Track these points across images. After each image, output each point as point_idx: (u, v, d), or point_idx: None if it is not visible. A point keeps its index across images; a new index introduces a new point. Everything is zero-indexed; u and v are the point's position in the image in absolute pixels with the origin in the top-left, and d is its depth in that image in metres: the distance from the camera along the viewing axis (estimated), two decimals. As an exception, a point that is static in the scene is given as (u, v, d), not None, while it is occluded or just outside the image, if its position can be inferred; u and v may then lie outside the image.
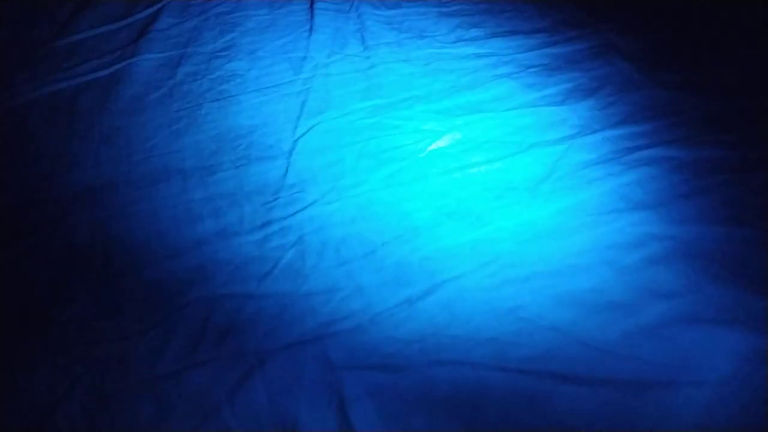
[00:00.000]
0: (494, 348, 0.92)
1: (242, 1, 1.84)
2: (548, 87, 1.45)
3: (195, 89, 1.50)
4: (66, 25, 1.72)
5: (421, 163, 1.27)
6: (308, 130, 1.36)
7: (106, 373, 0.91)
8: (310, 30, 1.71)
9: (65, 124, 1.40)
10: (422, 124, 1.37)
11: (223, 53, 1.63)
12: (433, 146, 1.31)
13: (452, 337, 0.94)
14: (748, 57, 1.50)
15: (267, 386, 0.88)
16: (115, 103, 1.45)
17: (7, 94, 1.47)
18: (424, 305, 0.99)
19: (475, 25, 1.71)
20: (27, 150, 1.33)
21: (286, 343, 0.94)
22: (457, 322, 0.96)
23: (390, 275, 1.04)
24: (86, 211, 1.18)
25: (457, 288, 1.01)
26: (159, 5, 1.81)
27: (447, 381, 0.88)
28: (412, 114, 1.40)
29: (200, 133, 1.37)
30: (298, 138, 1.34)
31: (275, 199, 1.20)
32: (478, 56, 1.58)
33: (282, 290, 1.03)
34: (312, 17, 1.76)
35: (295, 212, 1.17)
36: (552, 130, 1.32)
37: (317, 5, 1.81)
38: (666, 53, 1.54)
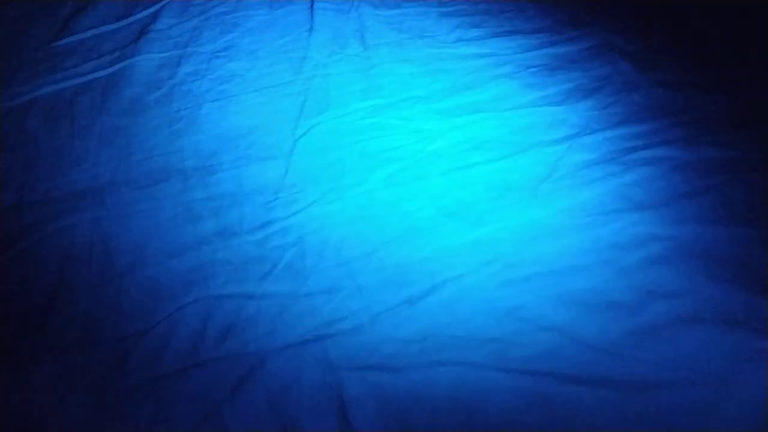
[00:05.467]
0: (494, 348, 0.92)
1: (242, 1, 1.84)
2: (548, 87, 1.45)
3: (195, 89, 1.50)
4: (66, 25, 1.72)
5: (421, 163, 1.27)
6: (308, 130, 1.36)
7: (106, 373, 0.91)
8: (310, 30, 1.71)
9: (65, 124, 1.40)
10: (422, 124, 1.37)
11: (223, 53, 1.63)
12: (433, 146, 1.31)
13: (452, 337, 0.94)
14: (748, 57, 1.50)
15: (267, 386, 0.88)
16: (115, 103, 1.45)
17: (7, 94, 1.47)
18: (424, 305, 0.99)
19: (475, 25, 1.71)
20: (27, 150, 1.33)
21: (286, 343, 0.94)
22: (457, 322, 0.96)
23: (390, 275, 1.04)
24: (86, 211, 1.18)
25: (457, 288, 1.01)
26: (159, 5, 1.81)
27: (447, 381, 0.88)
28: (412, 114, 1.40)
29: (200, 133, 1.37)
30: (298, 138, 1.34)
31: (275, 199, 1.20)
32: (478, 56, 1.58)
33: (282, 290, 1.03)
34: (312, 17, 1.76)
35: (295, 212, 1.17)
36: (552, 130, 1.32)
37: (317, 5, 1.81)
38: (666, 53, 1.54)
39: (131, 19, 1.76)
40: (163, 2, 1.82)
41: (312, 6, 1.81)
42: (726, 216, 1.10)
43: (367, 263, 1.06)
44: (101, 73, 1.55)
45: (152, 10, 1.79)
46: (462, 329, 0.95)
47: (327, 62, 1.58)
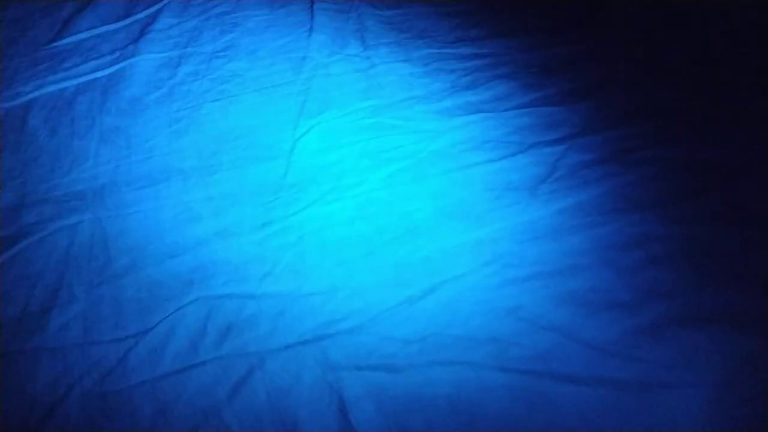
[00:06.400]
0: (494, 348, 0.92)
1: (242, 1, 1.84)
2: (548, 87, 1.45)
3: (195, 89, 1.50)
4: (66, 25, 1.72)
5: (421, 163, 1.27)
6: (308, 130, 1.36)
7: (106, 373, 0.91)
8: (310, 30, 1.71)
9: (65, 124, 1.40)
10: (422, 124, 1.37)
11: (223, 53, 1.63)
12: (433, 146, 1.31)
13: (452, 337, 0.94)
14: (748, 57, 1.50)
15: (267, 386, 0.88)
16: (115, 103, 1.45)
17: (7, 94, 1.47)
18: (424, 305, 0.99)
19: (475, 25, 1.71)
20: (27, 150, 1.33)
21: (286, 343, 0.94)
22: (457, 322, 0.96)
23: (390, 275, 1.04)
24: (86, 211, 1.18)
25: (457, 288, 1.01)
26: (159, 5, 1.80)
27: (447, 381, 0.88)
28: (412, 114, 1.40)
29: (200, 133, 1.37)
30: (298, 138, 1.34)
31: (275, 199, 1.20)
32: (478, 56, 1.58)
33: (282, 290, 1.03)
34: (312, 17, 1.76)
35: (295, 212, 1.17)
36: (552, 130, 1.32)
37: (317, 5, 1.81)
38: (666, 53, 1.54)
39: (131, 19, 1.75)
40: (163, 2, 1.82)
41: (312, 6, 1.81)
42: (726, 216, 1.09)
43: (367, 263, 1.06)
44: (101, 73, 1.55)
45: (152, 10, 1.79)
46: (462, 329, 0.95)
47: (327, 62, 1.58)
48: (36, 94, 1.48)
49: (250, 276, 1.05)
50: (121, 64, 1.57)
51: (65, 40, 1.66)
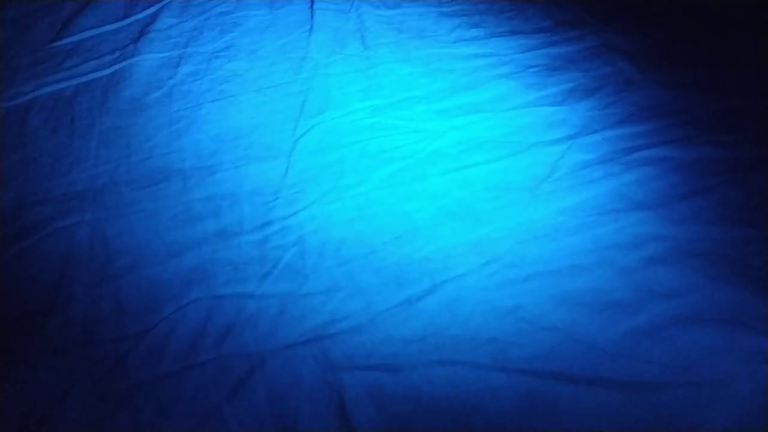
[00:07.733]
0: (494, 348, 0.92)
1: (242, 1, 1.84)
2: (548, 87, 1.45)
3: (195, 89, 1.50)
4: (66, 25, 1.72)
5: (421, 163, 1.27)
6: (308, 130, 1.36)
7: (106, 373, 0.91)
8: (310, 30, 1.71)
9: (65, 124, 1.40)
10: (422, 124, 1.37)
11: (223, 53, 1.63)
12: (433, 146, 1.31)
13: (452, 337, 0.94)
14: (748, 57, 1.50)
15: (267, 386, 0.88)
16: (115, 103, 1.45)
17: (7, 94, 1.47)
18: (424, 305, 0.99)
19: (475, 25, 1.71)
20: (27, 150, 1.33)
21: (286, 343, 0.94)
22: (457, 322, 0.96)
23: (390, 275, 1.04)
24: (86, 211, 1.18)
25: (457, 288, 1.01)
26: (159, 5, 1.81)
27: (447, 381, 0.88)
28: (412, 114, 1.40)
29: (200, 133, 1.37)
30: (298, 138, 1.34)
31: (275, 199, 1.20)
32: (478, 56, 1.58)
33: (282, 290, 1.03)
34: (312, 17, 1.76)
35: (295, 212, 1.17)
36: (552, 130, 1.32)
37: (317, 5, 1.81)
38: (666, 53, 1.54)
39: (131, 19, 1.76)
40: (163, 2, 1.82)
41: (312, 6, 1.81)
42: (725, 216, 1.10)
43: (367, 263, 1.06)
44: (101, 73, 1.55)
45: (152, 10, 1.79)
46: (462, 329, 0.95)
47: (327, 62, 1.58)
48: (36, 94, 1.48)
49: (250, 276, 1.05)
50: (121, 64, 1.57)
51: (65, 40, 1.66)
